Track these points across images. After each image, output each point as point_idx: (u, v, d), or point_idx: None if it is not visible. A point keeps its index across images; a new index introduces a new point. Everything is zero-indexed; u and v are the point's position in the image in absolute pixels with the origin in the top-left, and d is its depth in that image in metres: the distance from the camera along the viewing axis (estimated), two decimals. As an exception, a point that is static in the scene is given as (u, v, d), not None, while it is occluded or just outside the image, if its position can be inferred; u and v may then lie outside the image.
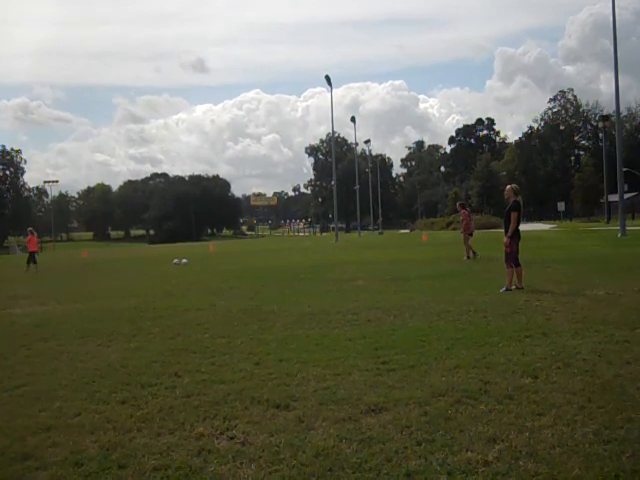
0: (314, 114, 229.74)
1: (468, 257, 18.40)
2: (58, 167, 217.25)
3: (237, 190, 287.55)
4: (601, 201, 67.43)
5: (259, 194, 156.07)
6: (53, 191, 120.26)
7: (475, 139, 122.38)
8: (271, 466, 3.60)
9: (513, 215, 10.66)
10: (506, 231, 10.81)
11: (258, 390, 5.10)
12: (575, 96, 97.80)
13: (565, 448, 3.60)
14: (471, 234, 18.96)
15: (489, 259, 17.65)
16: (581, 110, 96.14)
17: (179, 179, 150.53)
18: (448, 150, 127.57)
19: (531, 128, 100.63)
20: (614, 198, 51.95)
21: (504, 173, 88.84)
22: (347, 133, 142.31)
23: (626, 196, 39.46)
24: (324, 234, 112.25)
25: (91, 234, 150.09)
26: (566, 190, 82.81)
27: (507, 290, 10.47)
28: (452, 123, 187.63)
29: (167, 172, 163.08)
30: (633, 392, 4.54)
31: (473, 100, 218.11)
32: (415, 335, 7.01)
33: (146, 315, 9.95)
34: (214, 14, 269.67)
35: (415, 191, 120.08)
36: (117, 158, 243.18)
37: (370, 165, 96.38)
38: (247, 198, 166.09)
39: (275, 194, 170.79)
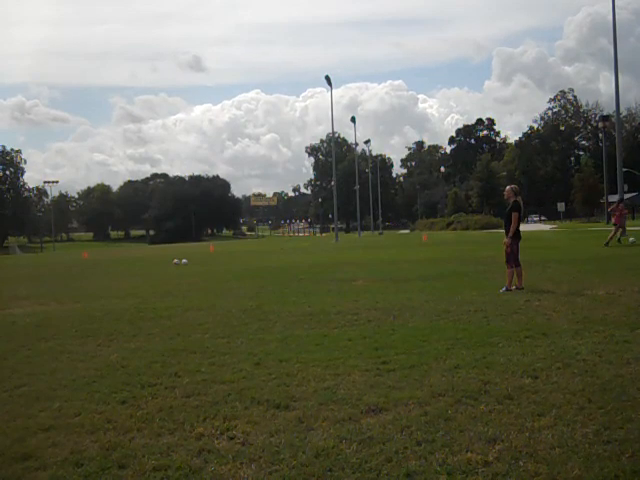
0: (313, 114, 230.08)
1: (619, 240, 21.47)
2: (57, 167, 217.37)
3: (237, 190, 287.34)
4: (601, 201, 67.36)
5: (259, 194, 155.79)
6: (53, 191, 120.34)
7: (475, 139, 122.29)
8: (271, 466, 3.60)
9: (514, 215, 10.66)
10: (507, 232, 10.82)
11: (258, 390, 5.10)
12: (575, 96, 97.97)
13: (565, 448, 3.59)
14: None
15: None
16: (581, 110, 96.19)
17: (179, 179, 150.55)
18: (448, 150, 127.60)
19: (531, 128, 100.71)
20: (614, 198, 51.91)
21: (504, 173, 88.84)
22: (347, 133, 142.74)
23: (626, 196, 39.42)
24: (324, 234, 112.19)
25: (91, 234, 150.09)
26: (566, 190, 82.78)
27: (507, 290, 10.47)
28: (451, 123, 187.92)
29: (166, 172, 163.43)
30: (633, 392, 4.54)
31: (472, 100, 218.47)
32: (415, 335, 7.01)
33: (146, 315, 9.95)
34: (213, 14, 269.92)
35: (415, 191, 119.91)
36: (116, 158, 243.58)
37: (370, 165, 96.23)
38: (247, 198, 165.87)
39: (275, 194, 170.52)
